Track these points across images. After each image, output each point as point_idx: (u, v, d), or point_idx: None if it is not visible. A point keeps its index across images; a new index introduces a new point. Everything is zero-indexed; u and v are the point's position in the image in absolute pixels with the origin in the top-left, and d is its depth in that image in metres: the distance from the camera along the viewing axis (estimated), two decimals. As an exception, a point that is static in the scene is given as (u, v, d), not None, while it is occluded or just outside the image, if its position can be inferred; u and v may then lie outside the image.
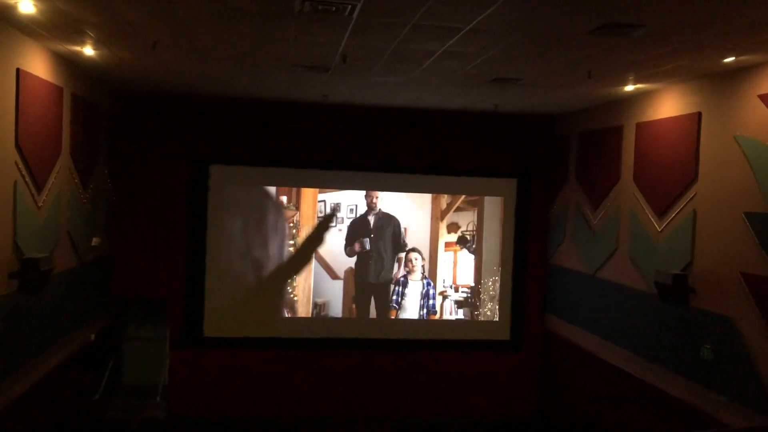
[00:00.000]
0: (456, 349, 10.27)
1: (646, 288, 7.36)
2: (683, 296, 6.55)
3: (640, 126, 7.72)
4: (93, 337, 8.35)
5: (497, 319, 10.38)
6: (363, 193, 10.12)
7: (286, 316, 10.04)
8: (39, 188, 6.29)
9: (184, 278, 9.69)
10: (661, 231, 7.16)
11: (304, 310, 10.09)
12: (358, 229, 10.11)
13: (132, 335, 9.88)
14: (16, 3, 4.82)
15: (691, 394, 6.57)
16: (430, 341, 10.25)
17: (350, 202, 10.11)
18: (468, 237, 10.36)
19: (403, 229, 10.21)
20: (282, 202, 9.97)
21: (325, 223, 9.99)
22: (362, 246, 10.07)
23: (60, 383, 7.15)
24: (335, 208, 10.00)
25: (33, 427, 6.46)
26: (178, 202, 9.66)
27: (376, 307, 10.19)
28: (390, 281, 10.20)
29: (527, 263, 10.34)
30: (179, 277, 9.68)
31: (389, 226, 10.17)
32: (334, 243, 10.07)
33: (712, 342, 6.26)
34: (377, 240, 10.15)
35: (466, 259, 10.39)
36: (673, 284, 6.53)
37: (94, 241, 8.25)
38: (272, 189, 9.95)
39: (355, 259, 10.12)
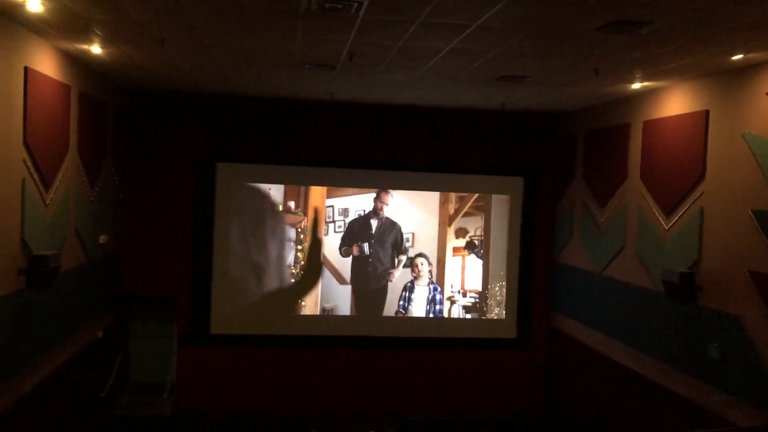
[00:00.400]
0: (462, 347, 10.27)
1: (653, 286, 7.34)
2: (690, 295, 6.53)
3: (647, 124, 7.69)
4: (100, 334, 8.38)
5: (504, 317, 10.37)
6: (369, 197, 10.07)
7: (293, 314, 10.07)
8: (47, 186, 6.32)
9: (191, 275, 9.72)
10: (669, 229, 7.14)
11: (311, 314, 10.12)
12: (356, 231, 10.08)
13: (139, 332, 9.93)
14: (24, 1, 4.84)
15: (698, 393, 6.55)
16: (437, 339, 10.24)
17: (358, 207, 10.08)
18: (476, 242, 10.33)
19: (409, 235, 10.12)
20: (290, 207, 9.96)
21: (315, 229, 9.96)
22: (361, 250, 10.04)
23: (67, 380, 7.19)
24: (316, 211, 9.97)
25: (41, 423, 6.49)
26: (185, 200, 9.68)
27: (374, 312, 10.15)
28: (387, 287, 10.11)
29: (533, 261, 10.33)
30: (186, 275, 9.70)
31: (392, 232, 10.11)
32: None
33: (720, 340, 6.24)
34: (377, 245, 10.12)
35: (475, 264, 10.37)
36: (681, 282, 6.51)
37: (102, 238, 8.29)
38: (280, 193, 9.93)
39: (351, 261, 10.07)
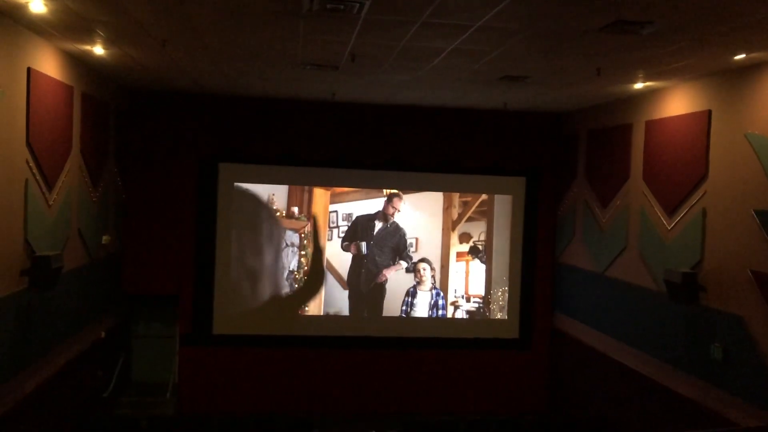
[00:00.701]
0: (465, 347, 10.27)
1: (656, 286, 7.34)
2: (693, 295, 6.52)
3: (649, 124, 7.68)
4: (103, 334, 8.39)
5: (506, 318, 10.37)
6: (373, 203, 10.05)
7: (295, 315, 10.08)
8: (50, 186, 6.33)
9: (193, 276, 9.73)
10: (671, 229, 7.13)
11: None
12: (359, 229, 10.06)
13: (142, 332, 9.95)
14: (27, 2, 4.85)
15: (700, 393, 6.55)
16: (439, 340, 10.24)
17: (362, 212, 10.06)
18: (480, 247, 10.32)
19: (413, 240, 10.06)
20: (293, 213, 9.95)
21: (317, 235, 9.96)
22: (358, 250, 10.03)
23: (70, 380, 7.20)
24: (309, 216, 9.96)
25: (43, 423, 6.51)
26: (187, 200, 9.69)
27: (373, 313, 10.16)
28: (384, 288, 10.10)
29: (536, 261, 10.32)
30: (188, 275, 9.71)
31: (394, 237, 10.08)
32: (344, 254, 10.06)
33: (722, 341, 6.23)
34: (375, 248, 10.10)
35: (479, 269, 10.35)
36: (683, 283, 6.50)
37: (104, 238, 8.30)
38: (283, 198, 9.90)
39: (350, 262, 10.09)
